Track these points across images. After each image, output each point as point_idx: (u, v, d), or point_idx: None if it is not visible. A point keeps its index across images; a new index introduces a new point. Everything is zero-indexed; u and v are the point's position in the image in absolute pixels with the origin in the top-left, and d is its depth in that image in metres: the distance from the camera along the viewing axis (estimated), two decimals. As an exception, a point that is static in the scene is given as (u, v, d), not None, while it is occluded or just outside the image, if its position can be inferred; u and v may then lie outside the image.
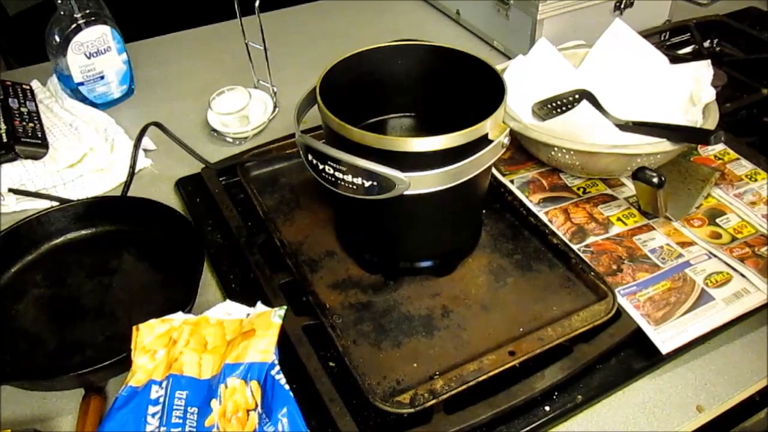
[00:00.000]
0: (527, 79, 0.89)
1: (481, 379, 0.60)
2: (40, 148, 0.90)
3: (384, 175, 0.58)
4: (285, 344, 0.63)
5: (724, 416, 0.67)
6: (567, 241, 0.75)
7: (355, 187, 0.60)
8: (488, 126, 0.61)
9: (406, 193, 0.60)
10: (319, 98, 0.62)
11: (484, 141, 0.62)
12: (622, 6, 1.11)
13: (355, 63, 0.69)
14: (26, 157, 0.89)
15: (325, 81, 0.65)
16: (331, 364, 0.64)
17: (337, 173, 0.60)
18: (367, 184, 0.59)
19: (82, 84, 1.01)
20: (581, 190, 0.84)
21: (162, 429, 0.54)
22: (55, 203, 0.83)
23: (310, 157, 0.61)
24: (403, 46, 0.72)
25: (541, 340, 0.64)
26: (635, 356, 0.67)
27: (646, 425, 0.63)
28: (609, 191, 0.84)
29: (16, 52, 1.59)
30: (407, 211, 0.66)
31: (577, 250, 0.75)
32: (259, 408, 0.56)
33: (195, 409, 0.56)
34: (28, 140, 0.90)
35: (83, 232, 0.80)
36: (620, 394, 0.66)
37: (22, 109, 0.96)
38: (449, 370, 0.62)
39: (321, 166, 0.61)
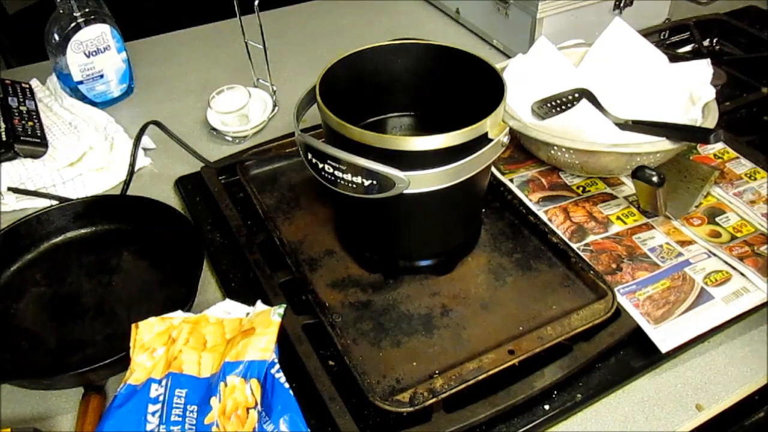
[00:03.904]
0: (527, 77, 0.89)
1: (480, 377, 0.60)
2: (40, 146, 0.90)
3: (383, 174, 0.57)
4: (284, 343, 0.63)
5: (724, 415, 0.67)
6: (566, 240, 0.75)
7: (354, 186, 0.60)
8: (488, 125, 0.61)
9: (405, 191, 0.60)
10: (318, 97, 0.62)
11: (483, 140, 0.62)
12: (622, 5, 1.11)
13: (355, 62, 0.69)
14: (26, 156, 0.89)
15: (324, 80, 0.65)
16: (330, 363, 0.64)
17: (336, 172, 0.60)
18: (366, 183, 0.59)
19: (81, 83, 1.01)
20: (581, 189, 0.84)
21: (162, 427, 0.54)
22: (54, 202, 0.83)
23: (309, 156, 0.61)
24: (403, 45, 0.72)
25: (541, 339, 0.64)
26: (635, 355, 0.67)
27: (645, 424, 0.63)
28: (608, 190, 0.84)
29: (16, 51, 1.59)
30: (407, 210, 0.66)
31: (576, 249, 0.75)
32: (258, 406, 0.56)
33: (194, 407, 0.56)
34: (27, 139, 0.90)
35: (83, 230, 0.79)
36: (620, 392, 0.66)
37: (22, 108, 0.96)
38: (449, 368, 0.62)
39: (320, 165, 0.61)
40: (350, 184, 0.60)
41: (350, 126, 0.59)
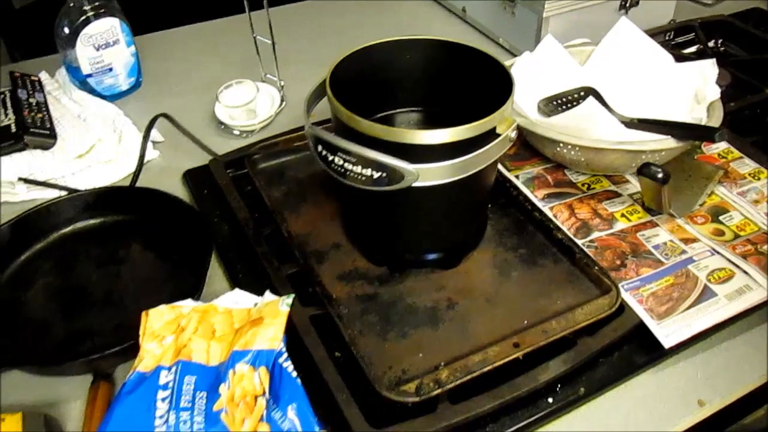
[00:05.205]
0: (533, 75, 0.90)
1: (485, 369, 0.61)
2: (49, 138, 0.91)
3: (393, 166, 0.58)
4: (292, 334, 0.63)
5: (725, 413, 0.68)
6: (571, 236, 0.76)
7: (364, 178, 0.60)
8: (496, 120, 0.62)
9: (414, 185, 0.60)
10: (329, 90, 0.62)
11: (491, 135, 0.62)
12: (628, 5, 1.12)
13: (364, 57, 0.70)
14: (35, 147, 0.89)
15: (334, 74, 0.66)
16: (336, 354, 0.64)
17: (346, 164, 0.60)
18: (375, 175, 0.59)
19: (90, 76, 1.02)
20: (586, 186, 0.84)
21: (171, 413, 0.55)
22: (64, 193, 0.83)
23: (319, 148, 0.62)
24: (412, 40, 0.72)
25: (546, 333, 0.64)
26: (638, 351, 0.68)
27: (647, 418, 0.64)
28: (613, 188, 0.84)
29: (22, 46, 1.59)
30: (414, 203, 0.66)
31: (581, 245, 0.75)
32: (267, 394, 0.56)
33: (204, 393, 0.56)
34: (36, 130, 0.91)
35: (92, 221, 0.80)
36: (622, 387, 0.66)
37: (31, 100, 0.97)
38: (454, 360, 0.62)
39: (330, 158, 0.61)
40: (359, 177, 0.60)
41: (360, 119, 0.60)
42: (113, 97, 1.05)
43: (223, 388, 0.56)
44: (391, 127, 0.60)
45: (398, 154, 0.59)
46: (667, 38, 1.16)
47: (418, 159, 0.59)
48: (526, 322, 0.67)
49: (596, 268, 0.72)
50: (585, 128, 0.79)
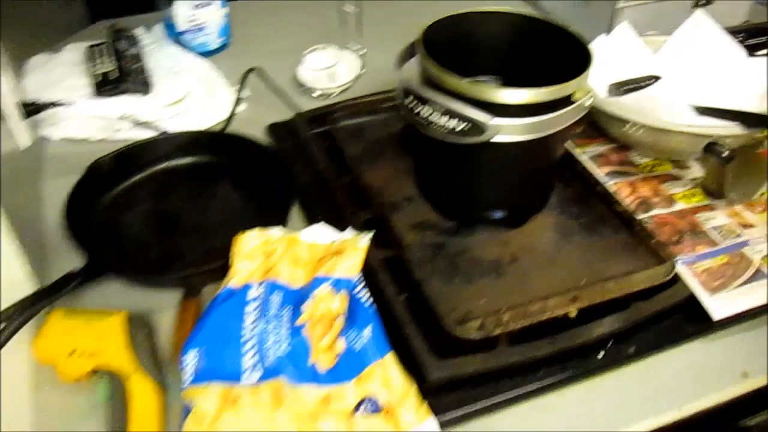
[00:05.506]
0: (606, 58, 0.93)
1: (545, 317, 0.65)
2: (144, 85, 0.98)
3: (476, 118, 0.63)
4: (365, 273, 0.68)
5: (732, 410, 0.70)
6: (632, 211, 0.80)
7: (446, 130, 0.65)
8: (574, 86, 0.66)
9: (490, 140, 0.65)
10: (422, 47, 0.67)
11: (566, 102, 0.66)
12: (702, 3, 1.13)
13: (452, 23, 0.74)
14: (132, 93, 0.97)
15: (424, 36, 0.71)
16: (405, 294, 0.69)
17: (431, 116, 0.65)
18: (459, 127, 0.64)
19: (184, 33, 1.09)
20: (648, 168, 0.88)
21: (259, 323, 0.61)
22: (160, 133, 0.90)
23: (407, 100, 0.67)
24: (498, 12, 0.77)
25: (602, 292, 0.68)
26: (687, 322, 0.71)
27: (693, 382, 0.68)
28: (675, 172, 0.87)
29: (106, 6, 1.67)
30: (489, 160, 0.71)
31: (640, 219, 0.79)
32: (343, 316, 0.62)
33: (288, 308, 0.62)
34: (133, 79, 0.98)
35: (185, 160, 0.86)
36: (670, 352, 0.70)
37: (128, 52, 1.04)
38: (515, 307, 0.66)
39: (417, 109, 0.66)
40: (443, 129, 0.65)
41: (450, 74, 0.64)
42: (202, 55, 1.11)
43: (305, 307, 0.62)
44: (476, 83, 0.64)
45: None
46: (738, 39, 1.17)
47: (498, 116, 0.64)
48: (584, 280, 0.71)
49: (653, 240, 0.75)
50: (653, 109, 0.83)
